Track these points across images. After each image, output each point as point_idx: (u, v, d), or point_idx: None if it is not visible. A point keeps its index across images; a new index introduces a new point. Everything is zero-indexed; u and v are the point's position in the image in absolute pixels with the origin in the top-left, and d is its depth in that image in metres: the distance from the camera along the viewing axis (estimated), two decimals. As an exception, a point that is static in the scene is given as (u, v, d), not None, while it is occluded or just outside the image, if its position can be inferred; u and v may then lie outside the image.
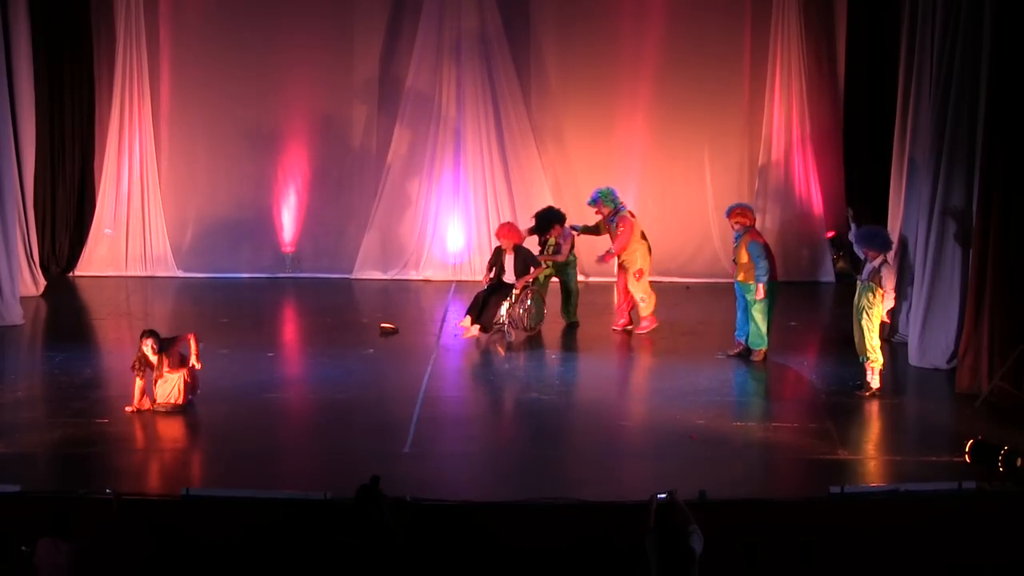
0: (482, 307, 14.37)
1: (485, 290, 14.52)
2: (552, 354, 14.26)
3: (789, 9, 17.74)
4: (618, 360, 14.43)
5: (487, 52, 17.89)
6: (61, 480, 10.36)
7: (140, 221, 18.21)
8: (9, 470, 10.24)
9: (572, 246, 15.03)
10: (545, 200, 17.24)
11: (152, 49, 18.10)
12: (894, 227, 15.70)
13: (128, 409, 11.85)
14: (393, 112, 18.11)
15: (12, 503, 9.55)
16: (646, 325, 14.88)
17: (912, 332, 13.58)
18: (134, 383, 11.89)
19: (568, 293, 15.17)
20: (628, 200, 18.24)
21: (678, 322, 15.69)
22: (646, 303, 14.86)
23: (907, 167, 14.82)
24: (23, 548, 8.92)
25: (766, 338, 13.65)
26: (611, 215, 14.70)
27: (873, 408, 12.34)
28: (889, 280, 12.45)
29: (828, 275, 18.06)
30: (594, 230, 15.14)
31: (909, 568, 9.53)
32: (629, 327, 15.08)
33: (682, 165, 18.23)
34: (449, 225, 17.99)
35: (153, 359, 11.83)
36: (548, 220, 14.91)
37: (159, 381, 11.87)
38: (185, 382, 11.89)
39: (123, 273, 18.20)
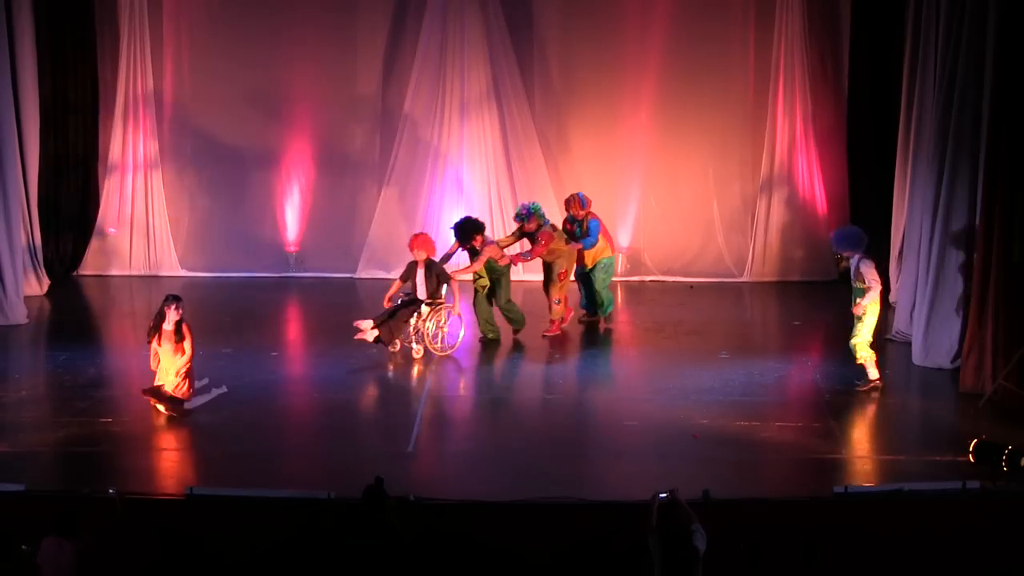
0: (388, 317, 13.63)
1: (399, 303, 13.82)
2: (555, 354, 14.26)
3: (793, 8, 17.74)
4: (620, 359, 14.43)
5: (491, 51, 17.90)
6: (65, 479, 10.36)
7: (144, 220, 18.25)
8: (13, 469, 10.23)
9: (502, 257, 14.39)
10: (548, 199, 17.27)
11: (156, 48, 18.13)
12: (898, 227, 15.73)
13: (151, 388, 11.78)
14: (397, 111, 18.12)
15: (16, 502, 9.55)
16: (554, 329, 14.76)
17: (916, 331, 13.57)
18: (150, 348, 11.80)
19: (485, 309, 14.52)
20: (630, 199, 18.33)
21: (682, 321, 15.69)
22: (558, 308, 14.77)
23: (911, 167, 14.82)
24: (24, 547, 8.92)
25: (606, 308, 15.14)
26: (536, 229, 14.56)
27: (877, 407, 12.34)
28: (870, 273, 12.44)
29: (831, 274, 18.04)
30: (513, 240, 15.00)
31: (913, 568, 9.52)
32: (584, 318, 15.35)
33: (685, 164, 18.22)
34: (452, 223, 17.97)
35: (170, 327, 11.70)
36: (466, 230, 14.30)
37: (161, 374, 11.80)
38: (181, 377, 11.77)
39: (127, 272, 18.23)
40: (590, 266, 15.06)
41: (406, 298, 13.88)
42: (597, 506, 9.58)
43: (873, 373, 12.57)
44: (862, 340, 12.51)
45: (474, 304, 14.55)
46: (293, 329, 16.52)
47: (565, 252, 14.74)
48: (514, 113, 17.99)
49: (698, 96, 18.04)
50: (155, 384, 11.75)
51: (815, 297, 17.25)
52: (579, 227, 14.89)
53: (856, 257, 12.53)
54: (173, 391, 11.72)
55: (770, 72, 17.89)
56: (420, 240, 13.98)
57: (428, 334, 13.77)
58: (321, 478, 10.24)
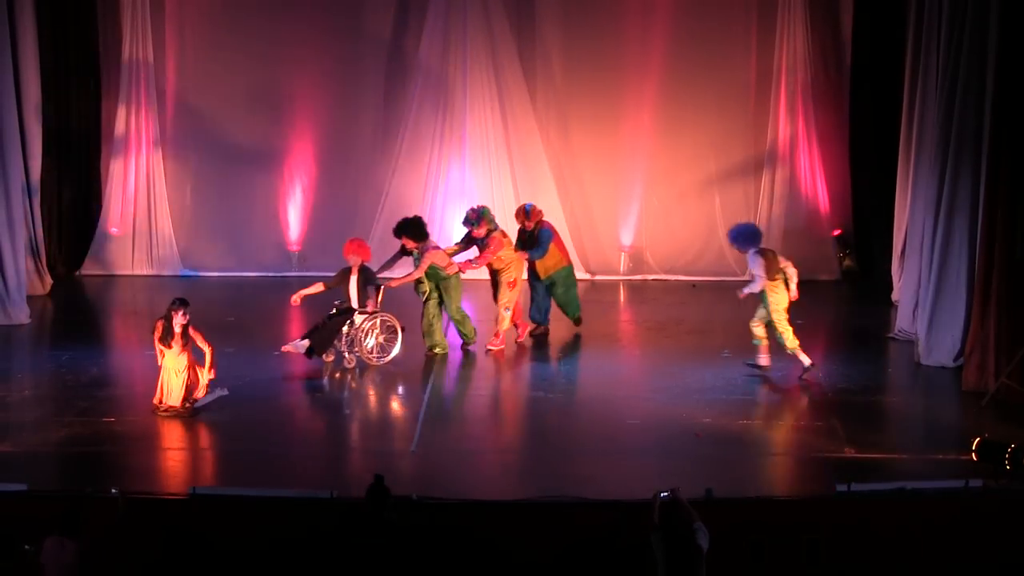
0: (320, 327, 13.18)
1: (332, 312, 13.31)
2: (557, 353, 14.25)
3: (795, 8, 17.74)
4: (623, 358, 14.42)
5: (493, 50, 17.91)
6: (67, 479, 10.36)
7: (146, 220, 18.28)
8: (15, 469, 10.23)
9: (448, 265, 13.73)
10: (550, 199, 17.30)
11: (158, 48, 18.16)
12: (900, 225, 15.74)
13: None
14: (399, 110, 18.14)
15: (18, 502, 9.55)
16: (498, 342, 14.00)
17: (919, 330, 13.57)
18: (156, 348, 11.82)
19: (431, 320, 13.84)
20: (633, 198, 18.32)
21: (684, 320, 15.68)
22: (504, 319, 14.02)
23: (913, 166, 14.82)
24: (26, 547, 8.92)
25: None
26: (486, 235, 13.87)
27: (879, 406, 12.34)
28: (758, 267, 12.85)
29: (833, 273, 18.04)
30: (463, 246, 14.25)
31: (915, 566, 9.51)
32: (534, 331, 14.59)
33: (687, 163, 18.23)
34: (455, 222, 17.97)
35: (178, 330, 11.75)
36: (398, 228, 13.73)
37: (166, 377, 11.83)
38: (188, 385, 11.81)
39: (129, 272, 18.26)
40: (543, 277, 14.46)
41: (340, 306, 13.37)
42: (599, 505, 9.58)
43: (805, 359, 12.85)
44: (787, 334, 12.81)
45: (421, 315, 13.85)
46: (295, 328, 16.47)
47: (515, 260, 14.08)
48: (516, 112, 18.01)
49: (700, 95, 18.05)
50: (160, 397, 11.80)
51: (817, 296, 17.20)
52: (529, 237, 14.27)
53: (751, 252, 12.90)
54: (182, 394, 11.77)
55: (772, 71, 17.91)
56: (355, 245, 13.41)
57: (363, 344, 13.22)
58: (324, 477, 10.25)
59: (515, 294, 14.04)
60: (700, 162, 18.22)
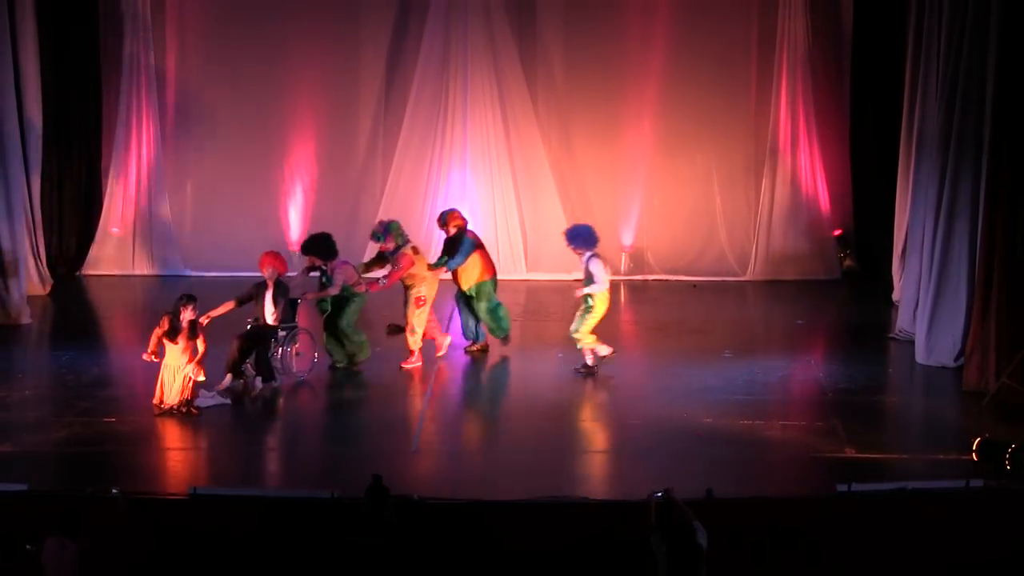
0: (241, 354, 12.41)
1: (248, 331, 12.61)
2: (558, 353, 14.25)
3: (795, 8, 17.74)
4: (624, 358, 14.41)
5: (494, 51, 17.90)
6: (68, 479, 10.35)
7: (147, 220, 18.27)
8: (16, 469, 10.23)
9: (358, 283, 13.24)
10: (551, 200, 17.30)
11: (159, 49, 18.16)
12: (901, 225, 15.73)
13: (145, 357, 11.85)
14: (400, 113, 18.13)
15: (19, 502, 9.55)
16: (413, 360, 13.42)
17: (919, 330, 13.56)
18: (153, 342, 11.84)
19: (336, 333, 13.25)
20: (634, 198, 18.31)
21: (684, 320, 15.68)
22: (415, 336, 13.42)
23: (914, 165, 14.81)
24: (28, 547, 8.92)
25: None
26: (395, 249, 13.33)
27: (880, 406, 12.34)
28: (599, 272, 12.87)
29: (834, 273, 18.03)
30: (376, 263, 13.69)
31: (916, 566, 9.51)
32: (468, 348, 13.98)
33: (688, 164, 18.23)
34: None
35: (184, 325, 11.78)
36: (307, 247, 13.22)
37: (167, 375, 11.83)
38: (189, 380, 11.83)
39: (130, 272, 18.25)
40: (465, 289, 13.76)
41: (254, 324, 12.65)
42: (600, 505, 9.58)
43: (589, 358, 13.03)
44: (585, 330, 12.92)
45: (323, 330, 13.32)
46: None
47: (428, 276, 13.46)
48: (517, 114, 18.00)
49: (701, 96, 18.05)
50: (160, 397, 11.82)
51: (818, 296, 17.25)
52: (451, 244, 13.70)
53: (587, 254, 12.90)
54: (181, 393, 11.77)
55: (773, 71, 17.91)
56: (270, 257, 12.68)
57: (287, 360, 12.72)
58: (324, 477, 10.25)
59: (425, 310, 13.42)
60: (701, 163, 18.21)
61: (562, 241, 13.17)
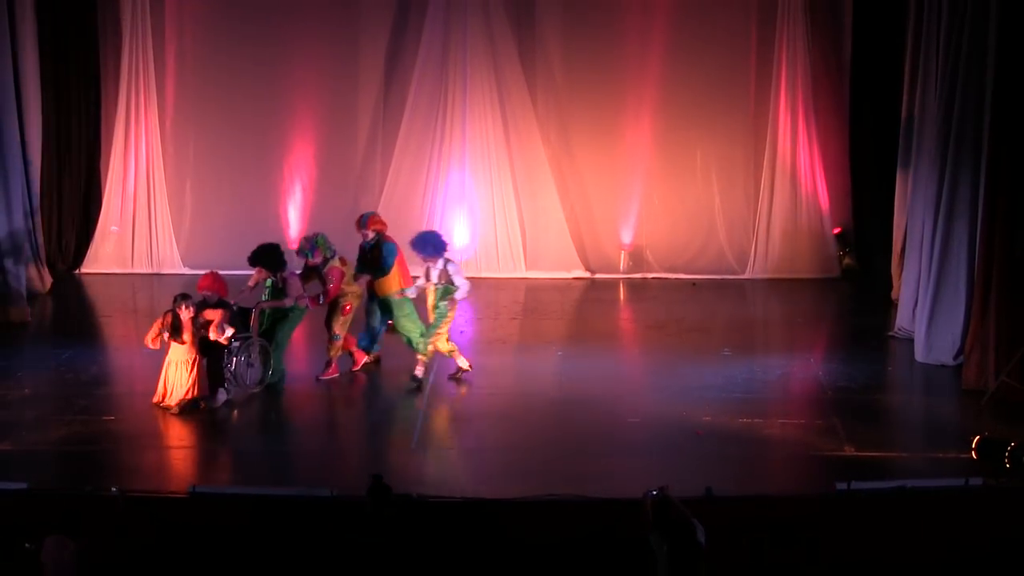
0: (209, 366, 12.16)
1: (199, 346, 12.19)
2: (557, 351, 14.25)
3: (795, 9, 17.73)
4: (623, 356, 14.43)
5: (493, 51, 17.89)
6: (67, 478, 10.36)
7: (146, 218, 18.26)
8: (15, 468, 10.24)
9: (301, 296, 12.78)
10: (551, 199, 17.29)
11: (158, 47, 18.15)
12: (900, 224, 15.73)
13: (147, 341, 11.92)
14: (399, 111, 18.11)
15: (18, 501, 9.55)
16: (330, 371, 13.03)
17: (919, 328, 13.56)
18: (151, 337, 11.88)
19: (272, 344, 12.70)
20: (633, 197, 18.29)
21: (684, 318, 15.68)
22: (336, 346, 13.06)
23: (913, 164, 14.81)
24: (27, 545, 8.93)
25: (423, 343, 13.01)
26: (323, 264, 12.89)
27: (879, 404, 12.34)
28: (459, 276, 12.76)
29: (833, 271, 18.03)
30: (304, 276, 13.03)
31: (915, 565, 9.51)
32: (367, 360, 13.40)
33: (688, 162, 18.21)
34: (455, 224, 17.98)
35: (186, 320, 11.87)
36: (255, 258, 12.85)
37: (171, 372, 11.85)
38: (195, 379, 11.85)
39: (129, 270, 18.24)
40: (379, 295, 13.20)
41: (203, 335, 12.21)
42: (600, 503, 9.58)
43: (421, 371, 12.73)
44: (440, 339, 12.76)
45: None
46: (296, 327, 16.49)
47: (356, 286, 13.09)
48: (516, 113, 17.98)
49: (700, 94, 18.04)
50: (161, 396, 11.85)
51: (817, 294, 17.24)
52: (370, 251, 13.15)
53: (441, 260, 12.73)
54: (187, 391, 11.79)
55: (772, 70, 17.89)
56: (209, 280, 12.34)
57: (240, 370, 12.34)
58: (323, 476, 10.25)
59: (349, 319, 13.06)
60: (700, 161, 18.19)
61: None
